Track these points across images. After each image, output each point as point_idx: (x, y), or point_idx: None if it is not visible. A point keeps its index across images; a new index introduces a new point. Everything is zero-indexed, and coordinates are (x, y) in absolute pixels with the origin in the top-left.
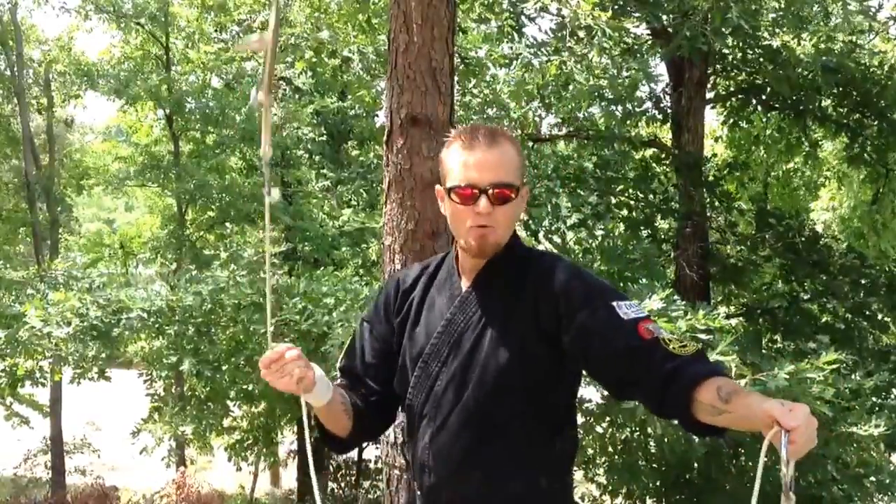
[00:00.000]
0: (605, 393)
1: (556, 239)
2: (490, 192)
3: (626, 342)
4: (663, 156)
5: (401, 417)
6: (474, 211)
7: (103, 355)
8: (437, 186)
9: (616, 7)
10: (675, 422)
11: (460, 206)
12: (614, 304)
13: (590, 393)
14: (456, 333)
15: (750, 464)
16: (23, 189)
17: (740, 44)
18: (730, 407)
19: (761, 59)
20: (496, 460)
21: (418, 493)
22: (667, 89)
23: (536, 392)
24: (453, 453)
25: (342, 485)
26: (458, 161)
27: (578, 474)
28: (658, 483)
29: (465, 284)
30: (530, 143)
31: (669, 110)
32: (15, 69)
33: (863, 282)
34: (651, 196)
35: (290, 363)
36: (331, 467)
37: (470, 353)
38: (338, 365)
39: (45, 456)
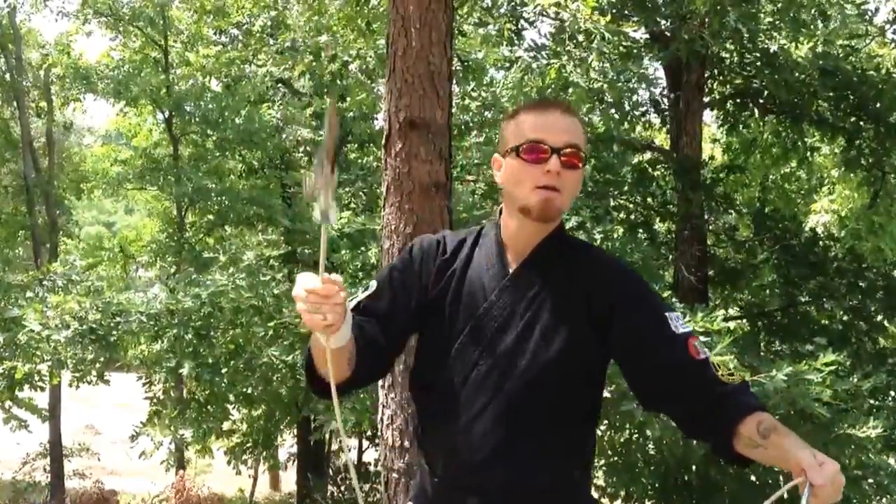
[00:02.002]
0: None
1: None
2: (563, 152)
3: (677, 356)
4: (661, 159)
5: (406, 412)
6: (544, 170)
7: (102, 359)
8: (496, 155)
9: (615, 11)
10: (702, 442)
11: (528, 165)
12: (666, 314)
13: None
14: (502, 317)
15: (749, 465)
16: (22, 192)
17: (738, 48)
18: (766, 443)
19: (759, 63)
20: (532, 451)
21: (434, 479)
22: (665, 93)
23: (581, 384)
24: (489, 441)
25: (342, 488)
26: (531, 121)
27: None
28: (657, 485)
29: (511, 264)
30: None
31: (667, 114)
32: (14, 73)
33: (860, 284)
34: (649, 199)
35: (332, 307)
36: (330, 470)
37: (518, 339)
38: (356, 301)
39: (44, 460)
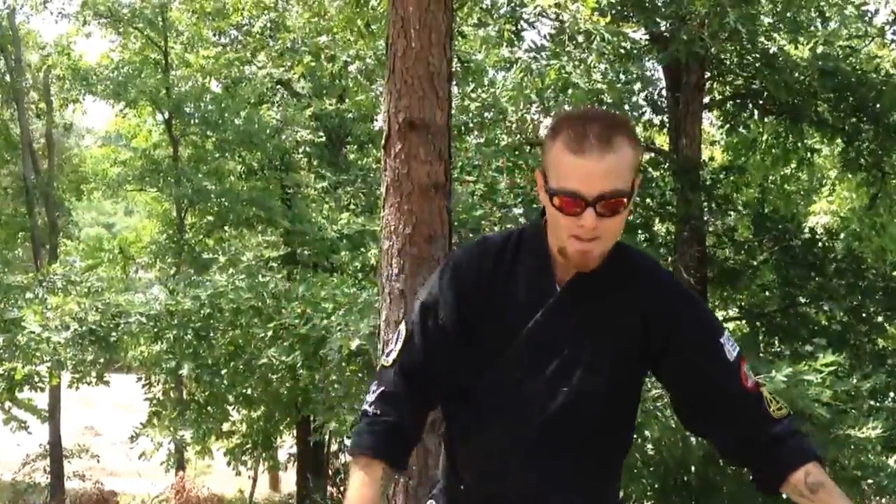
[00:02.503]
0: None
1: None
2: (598, 204)
3: (730, 387)
4: (661, 160)
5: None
6: (577, 223)
7: (101, 360)
8: (538, 170)
9: (614, 12)
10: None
11: (562, 217)
12: (721, 340)
13: None
14: (547, 338)
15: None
16: (22, 194)
17: (737, 48)
18: (814, 498)
19: (758, 64)
20: (566, 471)
21: (461, 487)
22: (664, 94)
23: (624, 408)
24: (531, 468)
25: (341, 489)
26: (563, 162)
27: None
28: (656, 485)
29: (558, 281)
30: (527, 148)
31: (667, 114)
32: (14, 74)
33: (860, 285)
34: (649, 200)
35: None
36: (329, 471)
37: (562, 364)
38: (392, 360)
39: (43, 461)
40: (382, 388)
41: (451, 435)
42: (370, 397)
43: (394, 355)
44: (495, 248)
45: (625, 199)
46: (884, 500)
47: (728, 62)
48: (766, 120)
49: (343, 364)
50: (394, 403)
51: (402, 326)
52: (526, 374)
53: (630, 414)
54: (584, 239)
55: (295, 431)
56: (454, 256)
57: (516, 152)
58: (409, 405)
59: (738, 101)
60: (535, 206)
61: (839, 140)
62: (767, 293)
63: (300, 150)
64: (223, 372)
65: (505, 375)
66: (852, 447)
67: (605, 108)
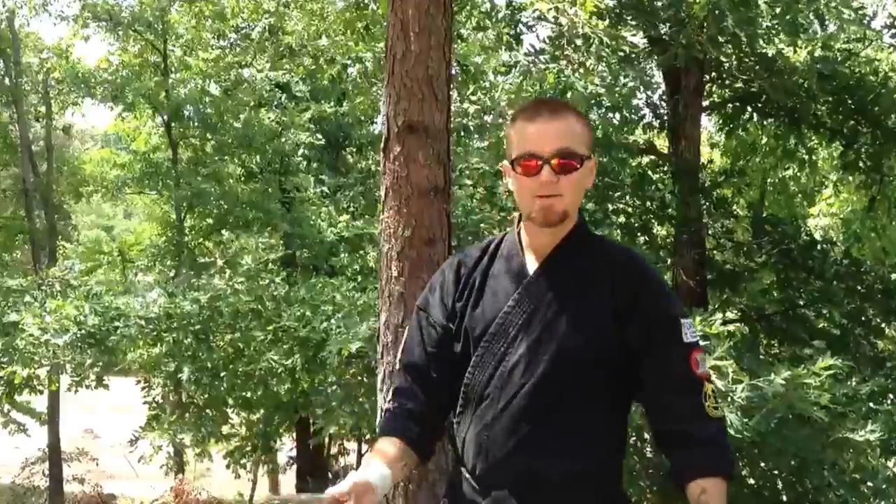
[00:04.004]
0: None
1: None
2: (553, 161)
3: (677, 364)
4: (660, 163)
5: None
6: (538, 181)
7: (100, 363)
8: (504, 162)
9: (613, 15)
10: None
11: (524, 177)
12: (682, 320)
13: None
14: (525, 314)
15: (747, 469)
16: (21, 196)
17: (736, 52)
18: None
19: (757, 68)
20: (556, 437)
21: (467, 476)
22: (664, 97)
23: (605, 373)
24: (517, 434)
25: None
26: (521, 132)
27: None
28: (655, 488)
29: (531, 264)
30: None
31: (666, 118)
32: (13, 77)
33: (858, 288)
34: (648, 203)
35: None
36: (329, 474)
37: (542, 334)
38: (398, 362)
39: (43, 464)
40: (395, 386)
41: (452, 426)
42: (388, 396)
43: (400, 356)
44: (478, 250)
45: (578, 161)
46: None
47: (727, 65)
48: (765, 123)
49: (342, 367)
50: (405, 395)
51: (407, 329)
52: (508, 349)
53: (616, 384)
54: (545, 195)
55: (294, 434)
56: (445, 264)
57: None
58: (421, 396)
59: (737, 104)
60: None
61: (838, 142)
62: (767, 296)
63: (299, 153)
64: (222, 375)
65: (488, 354)
66: (851, 450)
67: (603, 111)
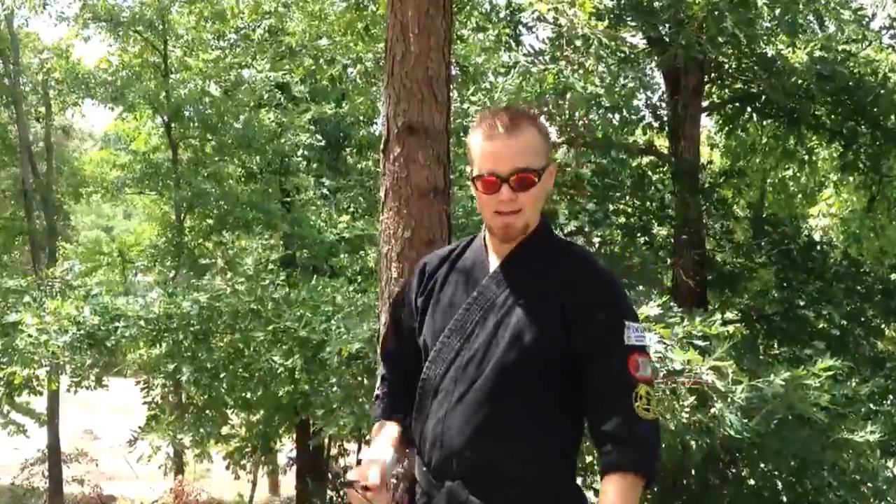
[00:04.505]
0: None
1: None
2: (511, 179)
3: (614, 363)
4: (660, 163)
5: None
6: (497, 199)
7: (100, 363)
8: (468, 168)
9: (612, 15)
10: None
11: (483, 195)
12: (627, 323)
13: None
14: (482, 310)
15: (747, 470)
16: (20, 197)
17: (736, 52)
18: None
19: (756, 68)
20: (512, 432)
21: (423, 469)
22: (663, 97)
23: (554, 374)
24: (470, 425)
25: (341, 493)
26: (479, 150)
27: (577, 480)
28: (655, 489)
29: (493, 264)
30: None
31: (666, 118)
32: (13, 77)
33: (858, 288)
34: (648, 203)
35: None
36: (329, 475)
37: (496, 329)
38: (379, 353)
39: (42, 465)
40: (382, 374)
41: (411, 421)
42: (377, 384)
43: (379, 348)
44: (446, 250)
45: (535, 176)
46: None
47: (727, 66)
48: (764, 123)
49: (342, 368)
50: (388, 383)
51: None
52: (465, 344)
53: (565, 387)
54: (504, 213)
55: (294, 435)
56: (420, 262)
57: None
58: (403, 382)
59: (736, 104)
60: None
61: (837, 143)
62: (767, 296)
63: (299, 154)
64: (222, 375)
65: (446, 349)
66: (850, 451)
67: (603, 111)
